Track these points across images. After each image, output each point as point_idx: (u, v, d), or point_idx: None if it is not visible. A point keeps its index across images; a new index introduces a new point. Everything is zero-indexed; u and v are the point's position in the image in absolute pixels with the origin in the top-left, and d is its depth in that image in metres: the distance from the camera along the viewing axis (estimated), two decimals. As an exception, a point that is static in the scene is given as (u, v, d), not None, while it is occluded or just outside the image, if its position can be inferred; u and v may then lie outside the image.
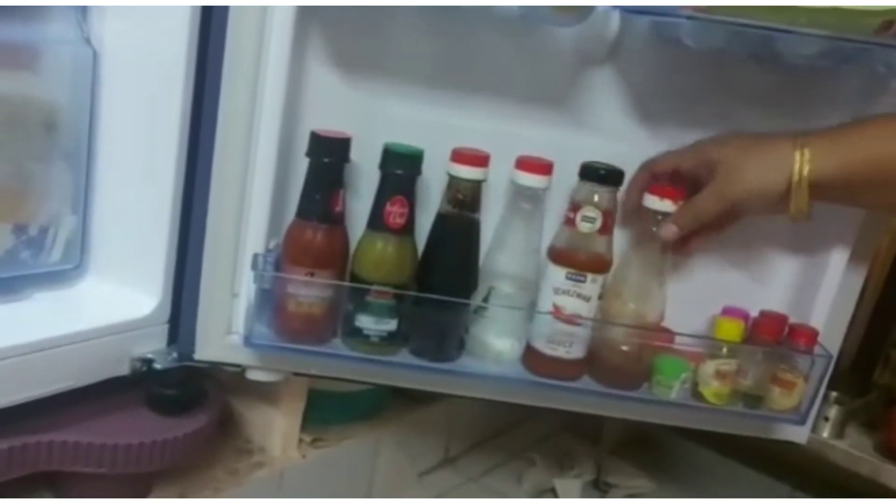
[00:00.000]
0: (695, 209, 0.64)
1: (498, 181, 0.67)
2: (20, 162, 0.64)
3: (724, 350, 0.69)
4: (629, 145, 0.70)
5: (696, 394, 0.71)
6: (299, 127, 0.66)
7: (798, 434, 0.78)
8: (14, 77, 0.63)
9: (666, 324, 0.73)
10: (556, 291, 0.66)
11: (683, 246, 0.69)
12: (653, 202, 0.66)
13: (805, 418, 0.72)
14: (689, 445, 1.09)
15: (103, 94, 0.67)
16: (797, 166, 0.60)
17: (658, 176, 0.67)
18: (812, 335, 0.71)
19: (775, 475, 1.05)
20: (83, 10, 0.65)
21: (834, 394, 0.94)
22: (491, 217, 0.68)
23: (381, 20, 0.66)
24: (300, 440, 0.80)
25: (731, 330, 0.69)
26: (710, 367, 0.69)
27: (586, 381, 0.70)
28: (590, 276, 0.65)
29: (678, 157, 0.67)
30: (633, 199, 0.68)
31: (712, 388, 0.70)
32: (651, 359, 0.70)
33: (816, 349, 0.71)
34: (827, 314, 0.73)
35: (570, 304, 0.66)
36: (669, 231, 0.65)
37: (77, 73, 0.65)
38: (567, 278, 0.65)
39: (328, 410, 0.83)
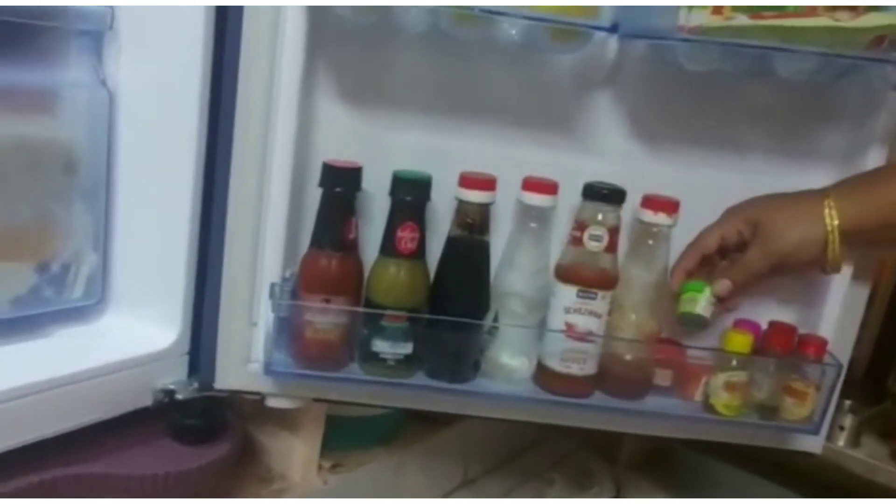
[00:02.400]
0: (746, 266, 0.69)
1: (504, 203, 0.69)
2: (41, 203, 0.66)
3: (734, 362, 0.70)
4: (630, 165, 0.71)
5: (708, 406, 0.71)
6: (311, 159, 0.68)
7: (812, 444, 0.78)
8: (34, 121, 0.66)
9: (675, 337, 0.74)
10: (568, 310, 0.67)
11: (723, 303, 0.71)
12: (647, 216, 0.68)
13: (818, 428, 0.73)
14: (706, 460, 1.09)
15: (120, 133, 0.69)
16: (828, 220, 0.66)
17: (707, 257, 0.70)
18: (821, 345, 0.72)
19: (794, 487, 1.05)
20: (99, 54, 0.67)
21: (848, 402, 0.94)
22: (497, 238, 0.70)
23: (384, 52, 0.68)
24: (320, 466, 0.81)
25: (741, 342, 0.70)
26: (720, 378, 0.70)
27: (599, 397, 0.71)
28: (600, 293, 0.67)
29: (720, 228, 0.70)
30: (676, 283, 0.70)
31: (723, 400, 0.71)
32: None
33: (826, 358, 0.72)
34: (835, 324, 0.73)
35: (582, 322, 0.67)
36: (724, 286, 0.69)
37: (94, 114, 0.68)
38: (578, 296, 0.67)
39: (347, 436, 0.84)
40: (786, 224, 0.67)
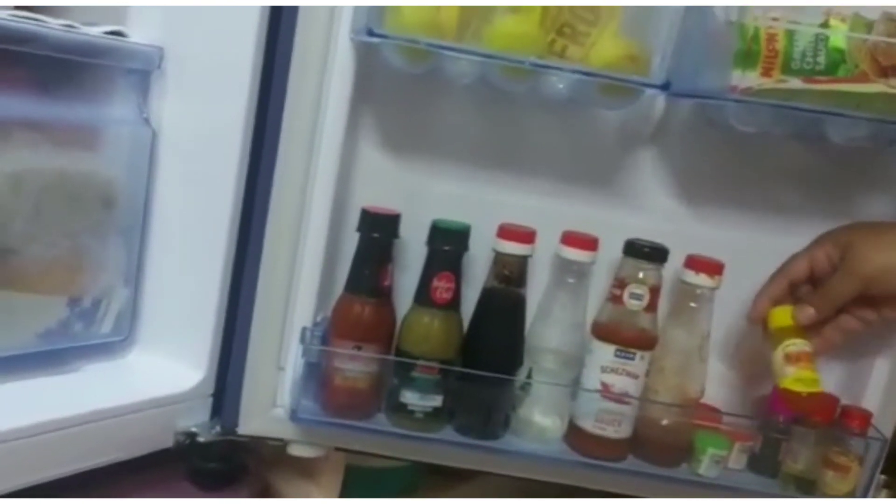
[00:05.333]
0: (829, 290, 0.64)
1: (541, 257, 0.68)
2: (79, 237, 0.66)
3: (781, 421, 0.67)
4: (673, 223, 0.71)
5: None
6: (349, 203, 0.68)
7: (852, 520, 0.75)
8: (76, 155, 0.66)
9: (714, 402, 0.72)
10: (605, 369, 0.65)
11: (826, 342, 0.67)
12: (690, 277, 0.67)
13: (861, 504, 0.70)
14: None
15: (160, 171, 0.69)
16: None
17: (795, 284, 0.66)
18: (865, 417, 0.70)
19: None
20: (145, 93, 0.68)
21: (883, 477, 0.91)
22: (533, 292, 0.68)
23: (428, 101, 0.68)
24: (337, 517, 0.79)
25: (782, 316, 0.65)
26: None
27: (632, 461, 0.69)
28: (639, 354, 0.65)
29: (809, 253, 0.66)
30: (760, 310, 0.67)
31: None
32: (694, 435, 0.69)
33: (870, 432, 0.69)
34: (880, 396, 0.71)
35: (619, 383, 0.65)
36: (807, 314, 0.64)
37: (136, 151, 0.68)
38: (616, 356, 0.65)
39: (365, 486, 0.82)
40: (874, 248, 0.62)
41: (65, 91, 0.64)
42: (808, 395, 0.63)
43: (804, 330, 0.64)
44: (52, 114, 0.63)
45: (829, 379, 0.72)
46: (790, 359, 0.64)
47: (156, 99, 0.68)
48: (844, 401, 0.71)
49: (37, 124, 0.62)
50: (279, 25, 0.63)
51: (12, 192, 0.60)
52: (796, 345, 0.64)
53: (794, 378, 0.63)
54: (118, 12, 0.67)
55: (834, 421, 0.70)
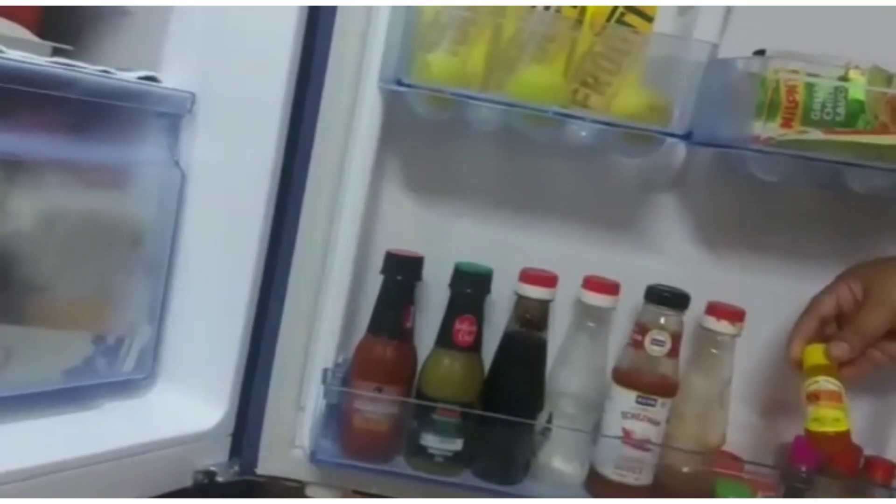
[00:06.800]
0: (861, 324, 0.63)
1: (563, 300, 0.68)
2: (106, 275, 0.67)
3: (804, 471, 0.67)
4: (693, 269, 0.71)
5: None
6: (372, 245, 0.69)
7: (877, 574, 0.74)
8: (106, 196, 0.67)
9: (735, 449, 0.71)
10: (626, 415, 0.65)
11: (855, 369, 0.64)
12: (711, 323, 0.67)
13: (887, 557, 0.69)
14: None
15: (187, 212, 0.70)
16: None
17: (825, 321, 0.65)
18: (890, 468, 0.69)
19: None
20: (175, 136, 0.70)
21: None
22: (554, 335, 0.69)
23: (453, 146, 0.70)
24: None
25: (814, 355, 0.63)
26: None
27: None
28: (660, 400, 0.65)
29: (833, 290, 0.65)
30: (797, 351, 0.64)
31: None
32: (715, 483, 0.68)
33: (895, 483, 0.68)
34: (904, 447, 0.70)
35: (640, 429, 0.65)
36: (842, 349, 0.62)
37: (164, 193, 0.69)
38: (637, 402, 0.65)
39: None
40: None
41: (98, 133, 0.65)
42: (823, 434, 0.60)
43: (837, 367, 0.63)
44: (84, 155, 0.65)
45: (852, 429, 0.71)
46: (810, 398, 0.62)
47: (186, 142, 0.70)
48: (868, 451, 0.70)
49: (69, 165, 0.63)
50: (309, 72, 0.64)
51: (43, 230, 0.62)
52: (818, 383, 0.61)
53: (812, 418, 0.61)
54: (153, 58, 0.69)
55: (858, 472, 0.69)
